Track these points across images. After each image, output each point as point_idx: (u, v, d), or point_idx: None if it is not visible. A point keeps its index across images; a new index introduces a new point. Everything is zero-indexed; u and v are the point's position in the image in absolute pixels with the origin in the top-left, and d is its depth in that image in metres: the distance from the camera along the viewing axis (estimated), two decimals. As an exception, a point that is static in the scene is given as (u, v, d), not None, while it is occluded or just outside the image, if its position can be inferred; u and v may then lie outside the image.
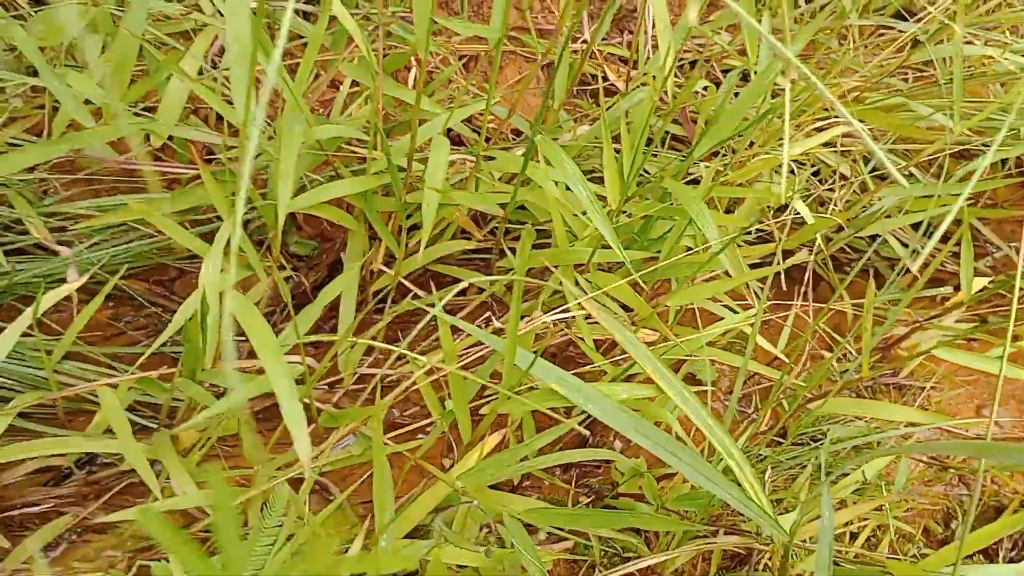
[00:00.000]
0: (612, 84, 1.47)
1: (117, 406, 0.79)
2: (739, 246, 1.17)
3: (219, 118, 1.22)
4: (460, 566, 0.89)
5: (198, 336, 0.85)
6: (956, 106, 1.09)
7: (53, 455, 0.91)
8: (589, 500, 1.14)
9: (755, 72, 1.14)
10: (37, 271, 1.05)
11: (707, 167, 1.13)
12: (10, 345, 0.83)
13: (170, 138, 1.25)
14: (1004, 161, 1.65)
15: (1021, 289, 1.57)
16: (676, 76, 1.61)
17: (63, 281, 1.02)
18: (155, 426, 1.00)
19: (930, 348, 0.97)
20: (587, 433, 1.23)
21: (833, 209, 1.30)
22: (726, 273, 1.09)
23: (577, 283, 1.09)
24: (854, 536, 1.12)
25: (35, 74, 1.04)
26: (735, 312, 1.21)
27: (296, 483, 0.98)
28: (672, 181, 0.99)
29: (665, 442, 0.87)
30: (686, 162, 1.04)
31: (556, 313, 0.94)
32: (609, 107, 1.36)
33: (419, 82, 1.00)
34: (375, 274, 1.22)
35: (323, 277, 1.27)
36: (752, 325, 1.02)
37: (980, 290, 1.30)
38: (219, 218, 1.18)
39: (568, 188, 1.05)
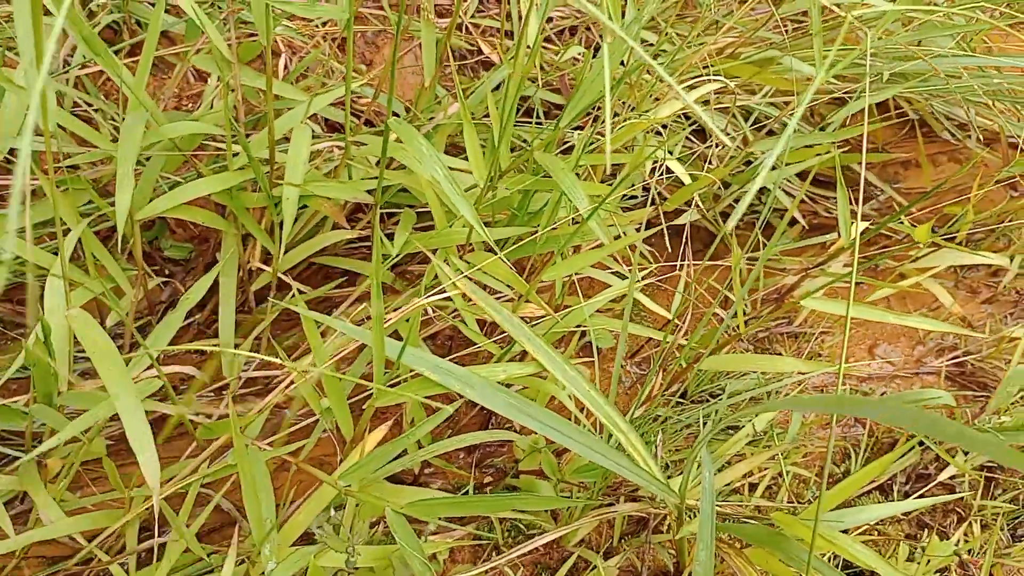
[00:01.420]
0: (487, 57, 1.45)
1: (-43, 443, 0.74)
2: (619, 212, 1.16)
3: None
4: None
5: (45, 358, 0.80)
6: (817, 55, 1.09)
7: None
8: (492, 481, 1.13)
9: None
10: None
11: (580, 135, 1.12)
12: None
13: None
14: (883, 104, 1.69)
15: (898, 232, 1.60)
16: (557, 44, 1.59)
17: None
18: (22, 455, 0.94)
19: (803, 297, 0.99)
20: (452, 405, 1.22)
21: (709, 166, 1.30)
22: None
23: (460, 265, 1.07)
24: (754, 487, 1.14)
25: None
26: (625, 279, 1.20)
27: (182, 497, 0.94)
28: (540, 153, 0.97)
29: (548, 419, 0.85)
30: (555, 132, 1.02)
31: (432, 296, 0.92)
32: (484, 81, 1.34)
33: (267, 69, 0.96)
34: (254, 273, 1.17)
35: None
36: (634, 289, 1.02)
37: (862, 232, 1.33)
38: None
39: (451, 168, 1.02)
